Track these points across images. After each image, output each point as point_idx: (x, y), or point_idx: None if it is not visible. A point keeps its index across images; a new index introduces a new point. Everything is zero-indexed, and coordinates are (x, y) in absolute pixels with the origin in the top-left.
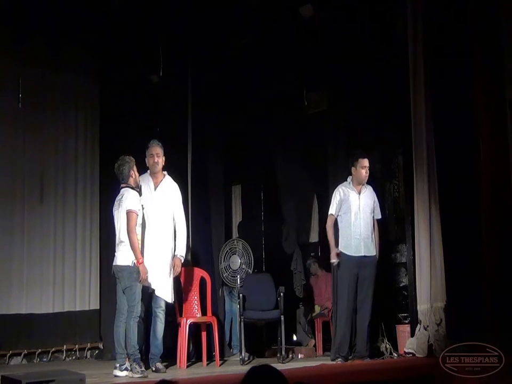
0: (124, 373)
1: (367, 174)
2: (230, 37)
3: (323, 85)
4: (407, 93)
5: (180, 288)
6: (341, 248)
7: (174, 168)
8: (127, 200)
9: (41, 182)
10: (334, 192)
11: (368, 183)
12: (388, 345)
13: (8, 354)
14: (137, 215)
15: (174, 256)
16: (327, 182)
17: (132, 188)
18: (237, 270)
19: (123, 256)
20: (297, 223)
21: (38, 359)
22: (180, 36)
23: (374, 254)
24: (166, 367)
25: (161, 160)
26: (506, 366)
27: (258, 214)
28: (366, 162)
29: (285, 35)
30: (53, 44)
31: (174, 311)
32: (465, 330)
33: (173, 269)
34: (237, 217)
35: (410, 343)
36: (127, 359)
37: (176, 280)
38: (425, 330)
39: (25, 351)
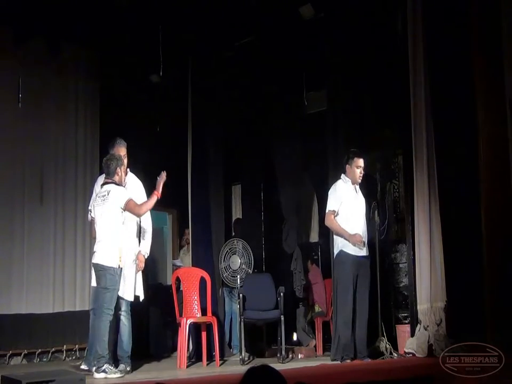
0: (118, 374)
1: (361, 175)
2: (230, 37)
3: (323, 84)
4: (407, 93)
5: (180, 288)
6: (345, 248)
7: (174, 168)
8: (116, 196)
9: (41, 182)
10: (333, 188)
11: (368, 182)
12: (388, 345)
13: (8, 354)
14: (132, 201)
15: (137, 252)
16: (327, 182)
17: (117, 184)
18: (237, 270)
19: (107, 256)
20: (298, 223)
21: (38, 359)
22: (180, 35)
23: (368, 253)
24: (166, 367)
25: (126, 160)
26: (506, 366)
27: (258, 213)
28: (361, 162)
29: (285, 35)
30: (53, 44)
31: (174, 311)
32: (465, 330)
33: (137, 265)
34: (236, 217)
35: (410, 343)
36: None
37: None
38: (425, 330)
39: (25, 351)
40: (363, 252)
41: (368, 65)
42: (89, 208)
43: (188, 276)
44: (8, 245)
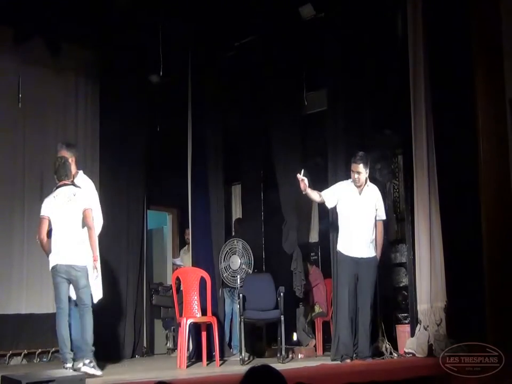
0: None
1: (358, 179)
2: (230, 37)
3: (323, 84)
4: (407, 93)
5: (180, 288)
6: (340, 248)
7: (174, 168)
8: (82, 198)
9: (41, 181)
10: (335, 184)
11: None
12: (388, 345)
13: (8, 354)
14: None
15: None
16: (327, 182)
17: (78, 187)
18: (237, 270)
19: (81, 256)
20: (297, 223)
21: (38, 359)
22: (180, 35)
23: (374, 255)
24: (166, 367)
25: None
26: (506, 366)
27: (258, 213)
28: (357, 167)
29: (285, 35)
30: (53, 43)
31: (173, 311)
32: (465, 330)
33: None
34: (236, 217)
35: (410, 343)
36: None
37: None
38: (425, 330)
39: (25, 351)
40: (362, 253)
41: (368, 65)
42: (44, 212)
43: (188, 276)
44: (8, 245)
